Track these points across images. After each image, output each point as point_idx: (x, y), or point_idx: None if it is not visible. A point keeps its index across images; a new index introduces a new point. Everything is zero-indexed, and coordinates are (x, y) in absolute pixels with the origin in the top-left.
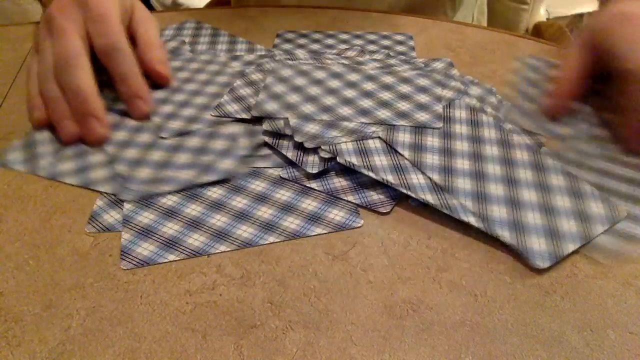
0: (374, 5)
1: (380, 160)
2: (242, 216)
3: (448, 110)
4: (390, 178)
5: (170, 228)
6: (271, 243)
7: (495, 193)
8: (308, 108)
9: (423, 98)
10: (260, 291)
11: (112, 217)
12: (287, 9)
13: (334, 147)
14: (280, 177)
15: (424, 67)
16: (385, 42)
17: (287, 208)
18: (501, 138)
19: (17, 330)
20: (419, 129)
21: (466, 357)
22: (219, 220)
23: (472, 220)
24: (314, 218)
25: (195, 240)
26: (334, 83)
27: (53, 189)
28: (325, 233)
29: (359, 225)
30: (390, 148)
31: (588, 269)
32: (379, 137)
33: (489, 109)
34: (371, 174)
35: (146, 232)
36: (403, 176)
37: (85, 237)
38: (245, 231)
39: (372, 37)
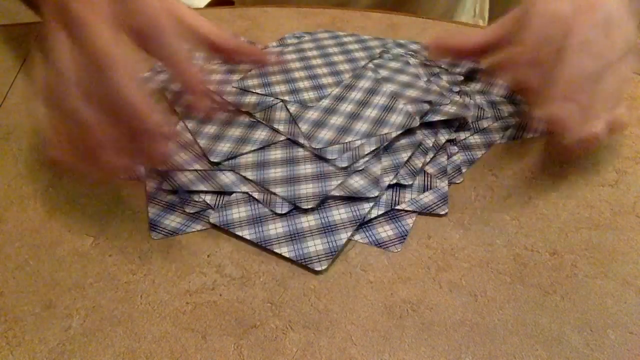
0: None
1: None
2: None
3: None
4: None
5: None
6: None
7: None
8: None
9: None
10: (260, 291)
11: (173, 221)
12: (287, 9)
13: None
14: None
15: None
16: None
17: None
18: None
19: (17, 330)
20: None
21: (466, 357)
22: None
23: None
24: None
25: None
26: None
27: (53, 189)
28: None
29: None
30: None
31: (588, 269)
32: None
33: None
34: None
35: (172, 207)
36: None
37: (85, 237)
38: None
39: None
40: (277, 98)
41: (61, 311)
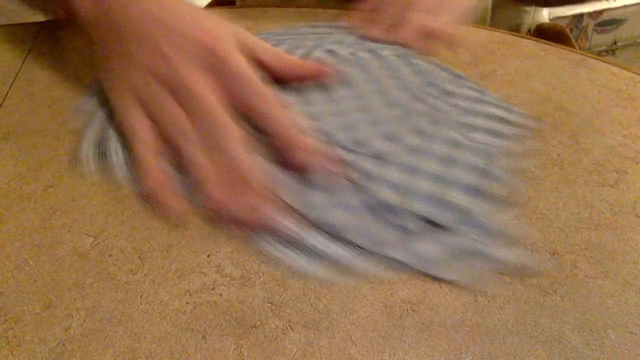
0: None
1: None
2: None
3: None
4: None
5: None
6: None
7: None
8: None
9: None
10: (260, 291)
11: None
12: (288, 9)
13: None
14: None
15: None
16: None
17: None
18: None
19: (17, 330)
20: None
21: (466, 357)
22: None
23: None
24: None
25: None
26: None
27: (53, 189)
28: None
29: None
30: None
31: (588, 269)
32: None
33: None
34: None
35: None
36: None
37: (85, 237)
38: None
39: None
40: (333, 140)
41: (61, 311)
